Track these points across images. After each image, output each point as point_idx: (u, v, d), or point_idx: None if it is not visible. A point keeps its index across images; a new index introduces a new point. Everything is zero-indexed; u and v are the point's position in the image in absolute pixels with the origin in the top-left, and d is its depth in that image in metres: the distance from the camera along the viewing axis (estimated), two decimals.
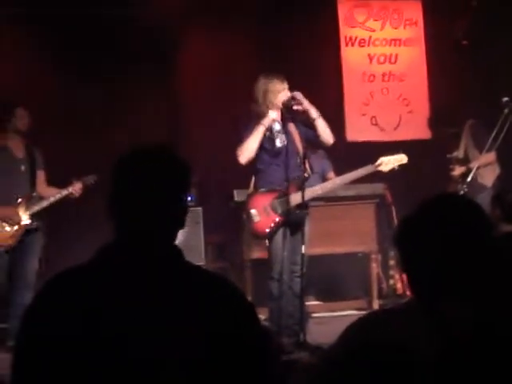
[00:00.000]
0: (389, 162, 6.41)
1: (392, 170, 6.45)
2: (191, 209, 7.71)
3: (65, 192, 6.89)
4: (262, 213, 6.22)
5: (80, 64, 8.51)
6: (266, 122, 6.21)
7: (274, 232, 6.19)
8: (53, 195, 6.88)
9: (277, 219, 6.21)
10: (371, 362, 1.87)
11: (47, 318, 2.01)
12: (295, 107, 6.21)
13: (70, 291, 2.04)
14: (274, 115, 6.22)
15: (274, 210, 6.22)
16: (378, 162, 6.41)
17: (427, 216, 2.06)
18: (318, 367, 2.06)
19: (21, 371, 2.03)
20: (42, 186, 7.00)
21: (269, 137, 6.23)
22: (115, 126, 8.43)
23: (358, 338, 1.99)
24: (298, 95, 6.20)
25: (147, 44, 8.69)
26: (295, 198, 6.16)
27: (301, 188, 6.10)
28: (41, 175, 7.02)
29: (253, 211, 6.25)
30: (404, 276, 8.29)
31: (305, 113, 6.23)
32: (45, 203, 6.84)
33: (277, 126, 6.26)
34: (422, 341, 1.87)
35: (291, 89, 6.26)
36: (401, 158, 6.45)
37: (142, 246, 2.09)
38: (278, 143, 6.23)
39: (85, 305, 1.99)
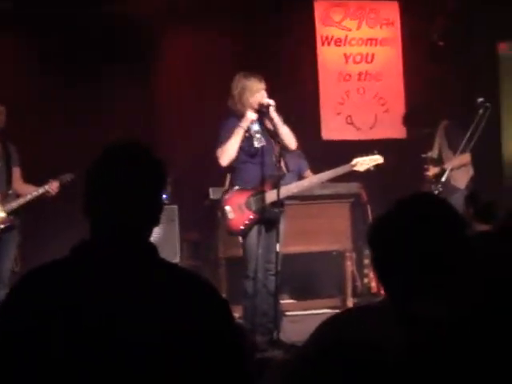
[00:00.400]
0: (364, 163, 6.44)
1: (368, 170, 6.48)
2: (167, 207, 7.71)
3: (41, 190, 6.84)
4: (237, 210, 6.24)
5: (57, 62, 8.49)
6: (244, 124, 6.22)
7: (248, 229, 6.21)
8: (29, 193, 6.83)
9: (251, 216, 6.23)
10: (343, 360, 1.88)
11: (21, 314, 2.01)
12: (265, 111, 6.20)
13: (44, 286, 2.04)
14: (252, 116, 6.23)
15: (249, 207, 6.24)
16: (353, 162, 6.44)
17: (400, 214, 2.07)
18: (291, 365, 2.06)
19: None
20: (18, 183, 6.95)
21: (247, 137, 6.25)
22: (90, 124, 8.41)
23: (331, 335, 1.99)
24: (271, 105, 6.17)
25: (125, 42, 8.67)
26: (270, 196, 6.18)
27: (276, 186, 6.11)
28: (16, 172, 6.97)
29: (227, 208, 6.27)
30: None
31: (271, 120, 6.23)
32: (21, 201, 6.80)
33: (255, 127, 6.28)
34: (395, 340, 1.88)
35: (269, 89, 6.27)
36: (376, 159, 6.48)
37: (117, 242, 2.09)
38: (256, 144, 6.25)
39: (58, 300, 1.99)
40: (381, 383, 1.84)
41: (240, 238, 6.27)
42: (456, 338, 1.89)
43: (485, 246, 2.93)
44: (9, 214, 6.74)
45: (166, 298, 2.02)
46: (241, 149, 6.24)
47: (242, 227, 6.23)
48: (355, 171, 6.50)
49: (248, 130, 6.24)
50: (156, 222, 2.18)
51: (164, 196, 2.29)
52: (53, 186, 6.86)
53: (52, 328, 1.96)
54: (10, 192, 6.83)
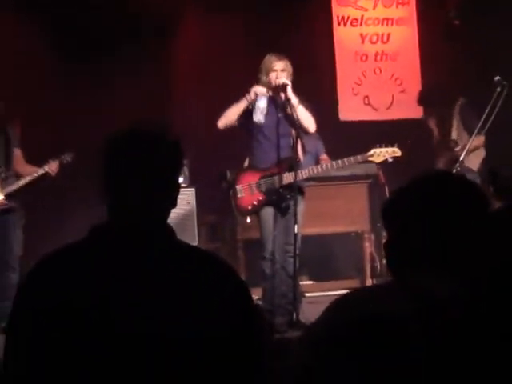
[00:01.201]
0: (381, 154, 6.40)
1: (384, 162, 6.45)
2: (184, 189, 7.72)
3: (41, 171, 6.84)
4: (247, 190, 6.27)
5: (69, 39, 8.49)
6: (249, 96, 6.27)
7: (254, 211, 6.24)
8: (29, 174, 6.83)
9: (260, 198, 6.25)
10: (359, 336, 1.87)
11: (41, 297, 2.02)
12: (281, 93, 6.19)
13: (64, 270, 2.04)
14: (258, 90, 6.25)
15: (259, 188, 6.25)
16: (371, 152, 6.40)
17: (415, 189, 2.06)
18: (302, 345, 2.06)
19: (15, 351, 2.03)
20: (18, 165, 6.93)
21: (252, 111, 6.26)
22: (104, 105, 8.41)
23: (343, 313, 1.99)
24: (287, 84, 6.16)
25: (140, 25, 8.66)
26: (282, 179, 6.18)
27: (290, 169, 6.11)
28: (17, 153, 6.95)
29: (238, 187, 6.31)
30: None
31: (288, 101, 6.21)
32: (21, 182, 6.79)
33: (262, 103, 6.26)
34: (407, 315, 1.88)
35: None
36: (394, 151, 6.43)
37: (135, 225, 2.09)
38: (255, 119, 6.23)
39: (79, 283, 2.00)
40: (395, 359, 1.83)
41: (247, 218, 6.28)
42: (468, 317, 1.88)
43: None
44: (8, 196, 6.73)
45: (184, 280, 2.03)
46: (249, 126, 6.27)
47: (249, 207, 6.26)
48: (371, 161, 6.47)
49: (252, 104, 6.26)
50: (173, 203, 2.18)
51: (181, 178, 2.28)
52: (52, 167, 6.86)
53: (70, 312, 1.97)
54: (10, 173, 6.82)
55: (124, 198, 2.11)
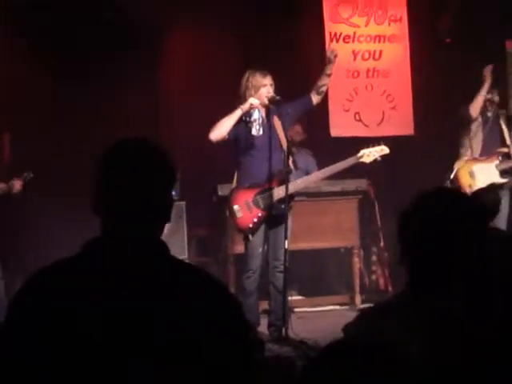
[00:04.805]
0: (370, 154, 6.44)
1: (374, 161, 6.48)
2: (175, 203, 7.71)
3: (5, 188, 7.01)
4: (245, 208, 6.24)
5: (63, 50, 8.48)
6: (243, 106, 6.22)
7: (257, 227, 6.21)
8: None
9: (260, 214, 6.23)
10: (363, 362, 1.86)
11: (33, 313, 2.01)
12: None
13: (58, 284, 2.04)
14: (254, 101, 6.22)
15: (257, 205, 6.23)
16: (360, 153, 6.44)
17: (426, 208, 2.08)
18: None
19: (5, 364, 2.03)
20: None
21: (245, 124, 6.24)
22: (95, 119, 8.41)
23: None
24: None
25: (131, 37, 8.65)
26: (278, 193, 6.19)
27: (283, 182, 6.11)
28: None
29: (235, 207, 6.26)
30: (386, 271, 8.34)
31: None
32: None
33: (255, 115, 6.26)
34: (418, 337, 1.88)
35: (277, 84, 6.29)
36: (382, 149, 6.48)
37: (129, 240, 2.09)
38: (254, 132, 6.24)
39: (72, 298, 2.00)
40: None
41: (250, 236, 6.25)
42: (476, 335, 1.89)
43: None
44: None
45: (177, 296, 2.03)
46: (242, 139, 6.24)
47: (250, 225, 6.22)
48: (362, 163, 6.49)
49: (248, 117, 6.24)
50: (167, 219, 2.19)
51: (173, 192, 2.29)
52: (17, 185, 7.02)
53: (65, 327, 1.97)
54: None
55: (117, 214, 2.11)
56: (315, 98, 6.41)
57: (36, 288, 2.07)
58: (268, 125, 6.27)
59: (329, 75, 6.43)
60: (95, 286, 2.01)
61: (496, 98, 7.60)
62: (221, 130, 6.23)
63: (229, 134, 6.24)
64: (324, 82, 6.41)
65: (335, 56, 6.41)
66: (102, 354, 1.95)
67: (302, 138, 8.30)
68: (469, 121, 7.57)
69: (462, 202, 2.12)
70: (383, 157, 6.47)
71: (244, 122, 6.23)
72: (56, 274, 2.08)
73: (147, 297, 2.01)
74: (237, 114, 6.22)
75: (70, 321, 1.97)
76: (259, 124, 6.24)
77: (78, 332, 1.96)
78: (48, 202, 7.67)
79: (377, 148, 6.46)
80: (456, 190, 2.79)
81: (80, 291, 2.01)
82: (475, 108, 7.50)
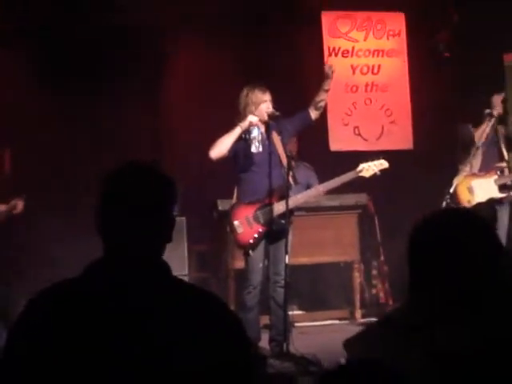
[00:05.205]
0: (369, 168, 6.45)
1: (374, 175, 6.49)
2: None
3: (3, 208, 7.06)
4: (245, 224, 6.24)
5: (64, 76, 8.51)
6: (243, 124, 6.23)
7: (257, 242, 6.21)
8: None
9: (260, 230, 6.23)
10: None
11: (37, 334, 2.02)
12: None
13: (58, 308, 2.05)
14: (253, 119, 6.23)
15: (257, 220, 6.24)
16: (359, 168, 6.45)
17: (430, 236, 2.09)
18: None
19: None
20: None
21: (245, 141, 6.25)
22: (95, 137, 8.43)
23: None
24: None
25: (133, 59, 8.68)
26: (278, 208, 6.19)
27: (283, 197, 6.12)
28: None
29: (236, 223, 6.26)
30: (386, 285, 8.34)
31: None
32: None
33: (254, 132, 6.27)
34: (404, 357, 1.89)
35: (276, 100, 6.31)
36: (381, 163, 6.50)
37: (131, 262, 2.11)
38: (253, 149, 6.24)
39: (74, 320, 2.01)
40: None
41: (250, 252, 6.26)
42: (476, 374, 1.90)
43: None
44: None
45: (178, 316, 2.04)
46: (242, 156, 6.26)
47: (251, 241, 6.22)
48: (361, 177, 6.50)
49: (248, 134, 6.26)
50: (168, 239, 2.21)
51: (174, 209, 2.32)
52: (20, 205, 7.09)
53: (67, 349, 1.98)
54: None
55: (118, 235, 2.14)
56: (314, 114, 6.43)
57: (38, 310, 2.09)
58: (267, 141, 6.28)
59: (326, 91, 6.45)
60: (97, 308, 2.03)
61: (496, 112, 7.59)
62: (221, 148, 6.24)
63: (229, 151, 6.25)
64: (322, 98, 6.42)
65: (333, 71, 6.42)
66: (104, 377, 1.97)
67: (296, 149, 8.30)
68: (470, 140, 7.58)
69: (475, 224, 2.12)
70: (382, 171, 6.48)
71: (243, 139, 6.24)
72: (58, 295, 2.09)
73: (148, 318, 2.02)
74: (236, 132, 6.23)
75: (71, 343, 1.98)
76: (258, 141, 6.25)
77: (80, 354, 1.97)
78: (48, 219, 7.66)
79: (376, 162, 6.47)
80: (465, 210, 2.77)
81: (82, 313, 2.02)
82: (480, 136, 7.51)
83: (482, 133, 7.51)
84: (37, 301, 2.11)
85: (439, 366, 1.90)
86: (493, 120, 7.61)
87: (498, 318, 1.99)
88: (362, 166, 6.44)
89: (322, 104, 6.46)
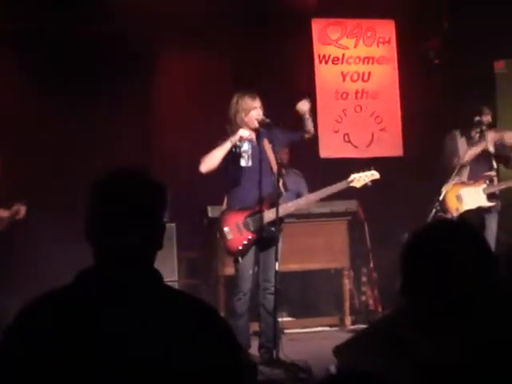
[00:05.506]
0: (360, 179, 6.46)
1: (365, 186, 6.50)
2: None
3: (6, 214, 7.06)
4: (235, 230, 6.24)
5: (54, 80, 8.48)
6: (233, 138, 6.22)
7: (246, 249, 6.21)
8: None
9: (249, 237, 6.23)
10: None
11: (28, 342, 2.02)
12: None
13: (50, 316, 2.05)
14: (244, 133, 6.22)
15: (247, 227, 6.23)
16: (350, 178, 6.45)
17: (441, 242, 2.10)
18: None
19: None
20: None
21: (235, 155, 6.24)
22: (89, 143, 8.42)
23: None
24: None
25: (124, 60, 8.67)
26: (268, 216, 6.19)
27: (274, 205, 6.12)
28: None
29: (226, 229, 6.26)
30: (376, 292, 8.34)
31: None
32: None
33: (245, 146, 6.25)
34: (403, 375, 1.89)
35: (266, 106, 6.30)
36: (372, 174, 6.50)
37: (121, 270, 2.10)
38: (243, 163, 6.23)
39: (65, 329, 2.01)
40: None
41: (239, 258, 6.25)
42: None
43: None
44: None
45: (168, 323, 2.04)
46: (232, 168, 6.25)
47: (240, 248, 6.22)
48: (352, 187, 6.51)
49: (238, 148, 6.24)
50: (159, 246, 2.21)
51: (164, 215, 2.31)
52: (22, 210, 7.10)
53: (59, 356, 1.98)
54: None
55: (108, 243, 2.13)
56: (306, 135, 6.43)
57: (30, 317, 2.08)
58: (259, 154, 6.27)
59: (309, 130, 6.41)
60: (87, 316, 2.02)
61: (485, 119, 7.60)
62: (210, 162, 6.22)
63: (218, 165, 6.24)
64: (308, 128, 6.39)
65: (307, 110, 6.36)
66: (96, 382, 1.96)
67: (288, 159, 8.30)
68: (457, 150, 7.61)
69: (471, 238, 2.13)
70: (373, 181, 6.49)
71: (233, 153, 6.23)
72: (49, 304, 2.09)
73: (138, 325, 2.02)
74: (226, 146, 6.21)
75: (64, 350, 1.98)
76: (248, 155, 6.24)
77: (73, 361, 1.97)
78: (48, 220, 7.63)
79: (367, 173, 6.47)
80: (454, 222, 2.79)
81: (72, 321, 2.01)
82: (471, 155, 7.53)
83: (473, 154, 7.52)
84: (28, 309, 2.10)
85: (427, 378, 1.90)
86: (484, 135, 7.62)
87: (486, 322, 1.99)
88: (353, 176, 6.44)
89: (311, 130, 6.43)
